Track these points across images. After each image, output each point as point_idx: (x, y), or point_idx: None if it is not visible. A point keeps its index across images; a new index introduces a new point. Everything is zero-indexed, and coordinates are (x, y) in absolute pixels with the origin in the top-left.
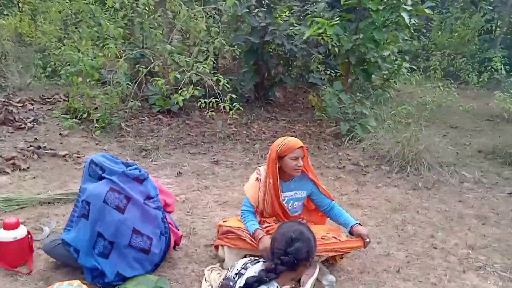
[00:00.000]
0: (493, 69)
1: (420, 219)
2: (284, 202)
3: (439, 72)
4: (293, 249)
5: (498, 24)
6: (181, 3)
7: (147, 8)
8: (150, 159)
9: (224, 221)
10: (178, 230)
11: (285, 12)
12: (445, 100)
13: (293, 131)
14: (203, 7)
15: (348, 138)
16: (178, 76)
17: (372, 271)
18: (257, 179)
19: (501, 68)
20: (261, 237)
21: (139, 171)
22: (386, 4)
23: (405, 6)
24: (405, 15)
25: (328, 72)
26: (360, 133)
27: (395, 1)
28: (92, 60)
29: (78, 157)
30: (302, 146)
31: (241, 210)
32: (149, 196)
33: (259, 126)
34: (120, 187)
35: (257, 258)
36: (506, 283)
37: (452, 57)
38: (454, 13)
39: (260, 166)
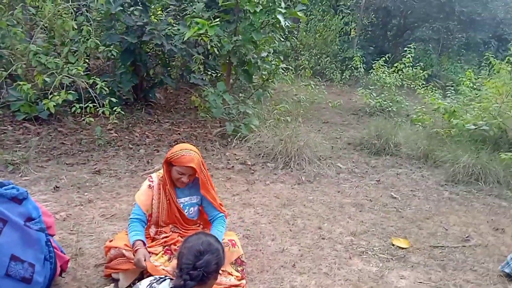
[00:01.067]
0: (353, 67)
1: (308, 212)
2: (181, 208)
3: (308, 71)
4: (202, 262)
5: (354, 26)
6: None
7: (2, 3)
8: (19, 174)
9: (110, 241)
10: (64, 254)
11: (159, 10)
12: (316, 98)
13: (178, 133)
14: (70, 3)
15: (234, 138)
16: (47, 79)
17: (270, 269)
18: (149, 186)
19: (360, 66)
20: (137, 249)
21: (17, 190)
22: (263, 7)
23: (280, 9)
24: (280, 17)
25: (209, 73)
26: (245, 133)
27: (271, 4)
28: None
29: None
30: (192, 167)
31: (129, 219)
32: (30, 217)
33: (142, 130)
34: None
35: (162, 276)
36: (384, 263)
37: (318, 56)
38: (317, 16)
39: (152, 173)
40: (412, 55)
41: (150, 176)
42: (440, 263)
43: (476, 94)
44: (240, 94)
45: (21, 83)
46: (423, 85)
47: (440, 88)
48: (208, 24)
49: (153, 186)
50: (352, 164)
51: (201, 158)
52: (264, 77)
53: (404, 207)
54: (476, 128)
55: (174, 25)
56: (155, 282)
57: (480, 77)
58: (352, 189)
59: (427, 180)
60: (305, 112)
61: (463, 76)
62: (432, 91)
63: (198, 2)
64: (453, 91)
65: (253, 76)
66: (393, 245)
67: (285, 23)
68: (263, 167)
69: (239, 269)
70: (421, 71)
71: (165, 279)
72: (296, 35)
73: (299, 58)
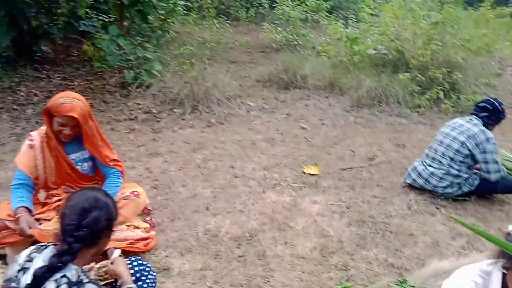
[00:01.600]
0: (258, 4)
1: (219, 153)
2: (73, 164)
3: (212, 10)
4: (88, 220)
5: None
6: None
7: None
8: None
9: None
10: None
11: None
12: (222, 37)
13: (72, 88)
14: None
15: (135, 86)
16: None
17: (182, 215)
18: (30, 146)
19: (265, 2)
20: (18, 217)
21: None
22: None
23: None
24: None
25: (101, 18)
26: (147, 79)
27: None
28: None
29: None
30: (73, 117)
31: (11, 185)
32: None
33: (28, 88)
34: None
35: (45, 243)
36: (297, 192)
37: None
38: None
39: (32, 131)
40: None
41: (30, 134)
42: (349, 184)
43: (376, 20)
44: (138, 38)
45: None
46: (327, 17)
47: (342, 18)
48: None
49: (34, 145)
50: (262, 100)
51: (88, 108)
52: (162, 17)
53: (313, 136)
54: (376, 53)
55: None
56: (35, 251)
57: (379, 2)
58: (263, 125)
59: (334, 107)
60: (212, 54)
61: (363, 4)
62: (335, 21)
63: None
64: (354, 20)
65: (149, 17)
66: (305, 173)
67: None
68: (170, 114)
69: (146, 219)
70: (324, 2)
71: (47, 246)
72: None
73: None
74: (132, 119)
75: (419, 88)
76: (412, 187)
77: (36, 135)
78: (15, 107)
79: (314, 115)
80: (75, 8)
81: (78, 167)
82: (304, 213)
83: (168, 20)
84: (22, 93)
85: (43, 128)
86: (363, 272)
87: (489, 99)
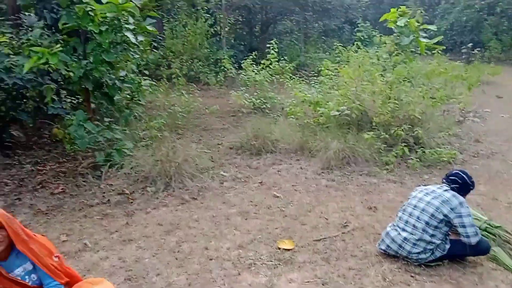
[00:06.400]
0: (226, 69)
1: (193, 234)
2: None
3: (182, 79)
4: None
5: (220, 26)
6: None
7: None
8: None
9: None
10: None
11: (0, 39)
12: (192, 106)
13: (44, 173)
14: None
15: (107, 166)
16: None
17: None
18: None
19: (231, 68)
20: None
21: None
22: (109, 25)
23: (127, 26)
24: (129, 34)
25: (70, 100)
26: (118, 159)
27: (116, 22)
28: None
29: None
30: None
31: None
32: None
33: (0, 177)
34: None
35: None
36: (273, 271)
37: (190, 62)
38: (181, 21)
39: None
40: (276, 50)
41: None
42: (324, 256)
43: (336, 81)
44: (106, 119)
45: None
46: (291, 77)
47: (307, 78)
48: (49, 52)
49: None
50: (235, 169)
51: (8, 214)
52: (128, 96)
53: (287, 204)
54: (340, 114)
55: (13, 56)
56: None
57: (337, 63)
58: (236, 197)
59: (306, 171)
60: (183, 123)
61: (322, 65)
62: (299, 82)
63: (36, 28)
64: (316, 80)
65: (114, 98)
66: (280, 248)
67: (136, 39)
68: (143, 193)
69: None
70: (287, 64)
71: None
72: (163, 43)
73: (171, 66)
74: (104, 203)
75: (385, 145)
76: (386, 254)
77: None
78: None
79: (287, 181)
80: (43, 92)
81: (27, 280)
82: None
83: (134, 99)
84: None
85: None
86: None
87: (459, 172)
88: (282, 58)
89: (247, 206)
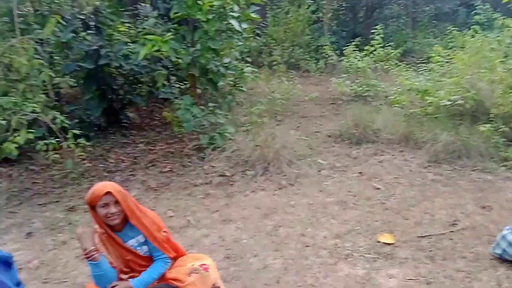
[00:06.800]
0: (326, 56)
1: (289, 219)
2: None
3: (282, 66)
4: None
5: (323, 12)
6: None
7: None
8: None
9: None
10: None
11: (121, 28)
12: (292, 93)
13: (154, 153)
14: (20, 37)
15: (210, 149)
16: (3, 122)
17: None
18: (98, 235)
19: (332, 54)
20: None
21: (2, 252)
22: (215, 13)
23: (232, 14)
24: (234, 22)
25: (178, 85)
26: (221, 143)
27: (222, 10)
28: None
29: None
30: (108, 192)
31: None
32: (18, 282)
33: (117, 154)
34: None
35: None
36: (371, 264)
37: (291, 49)
38: (284, 8)
39: None
40: (382, 35)
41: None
42: (429, 254)
43: (448, 68)
44: (210, 104)
45: None
46: (397, 64)
47: (414, 65)
48: (162, 40)
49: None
50: (333, 158)
51: (124, 190)
52: (231, 83)
53: (388, 197)
54: (451, 104)
55: (130, 44)
56: None
57: (449, 49)
58: (334, 186)
59: (410, 163)
60: (283, 110)
61: (432, 51)
62: (405, 70)
63: (150, 18)
64: (425, 67)
65: (218, 84)
66: (379, 242)
67: (240, 27)
68: (242, 176)
69: None
70: (393, 50)
71: None
72: (266, 30)
73: (272, 54)
74: (207, 183)
75: (504, 139)
76: (501, 259)
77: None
78: (106, 174)
79: (388, 173)
80: (155, 78)
81: (138, 250)
82: None
83: (236, 85)
84: (112, 160)
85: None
86: None
87: None
88: (387, 44)
89: (345, 196)
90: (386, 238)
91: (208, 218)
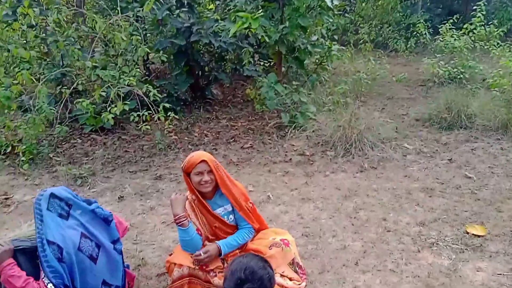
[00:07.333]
0: (418, 34)
1: (371, 203)
2: (220, 217)
3: (369, 44)
4: None
5: None
6: (95, 16)
7: (59, 25)
8: (88, 187)
9: (170, 255)
10: (129, 269)
11: (209, 6)
12: (378, 73)
13: (236, 129)
14: (120, 15)
15: (291, 128)
16: (103, 94)
17: (331, 268)
18: (188, 202)
19: (425, 33)
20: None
21: (103, 211)
22: None
23: None
24: None
25: (262, 63)
26: (302, 122)
27: None
28: (6, 90)
29: (6, 198)
30: (203, 160)
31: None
32: (114, 240)
33: (201, 129)
34: (90, 233)
35: None
36: (458, 255)
37: (379, 27)
38: None
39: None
40: (484, 12)
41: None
42: None
43: None
44: (294, 82)
45: (80, 99)
46: (499, 45)
47: None
48: (252, 17)
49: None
50: (421, 143)
51: (217, 161)
52: (317, 61)
53: (480, 187)
54: None
55: (221, 21)
56: None
57: None
58: (420, 172)
59: (508, 153)
60: (367, 91)
61: None
62: (508, 50)
63: None
64: None
65: (304, 62)
66: (468, 233)
67: (332, 3)
68: (322, 157)
69: (298, 270)
70: (496, 29)
71: None
72: (353, 8)
73: (359, 32)
74: (286, 161)
75: None
76: None
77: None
78: (190, 147)
79: (482, 162)
80: (240, 55)
81: (225, 218)
82: (466, 282)
83: (322, 63)
84: (196, 134)
85: (187, 193)
86: None
87: None
88: (489, 23)
89: (431, 183)
90: (476, 229)
91: (287, 195)
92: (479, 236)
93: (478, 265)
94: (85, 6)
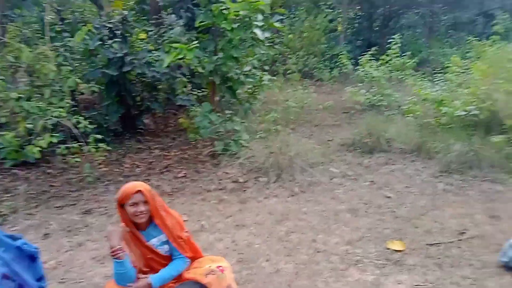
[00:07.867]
0: (341, 64)
1: (302, 225)
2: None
3: (297, 74)
4: None
5: (339, 21)
6: (20, 45)
7: None
8: (8, 225)
9: None
10: None
11: (141, 36)
12: (306, 101)
13: (169, 158)
14: (51, 44)
15: (225, 156)
16: (29, 125)
17: None
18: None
19: (348, 63)
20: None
21: (29, 247)
22: (240, 22)
23: (256, 23)
24: (258, 31)
25: (195, 92)
26: (235, 149)
27: (247, 19)
28: None
29: None
30: (139, 190)
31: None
32: (40, 277)
33: (132, 159)
34: (14, 272)
35: None
36: (381, 270)
37: (306, 58)
38: (301, 17)
39: None
40: (398, 44)
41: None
42: (437, 262)
43: (464, 78)
44: (227, 111)
45: (4, 132)
46: (412, 74)
47: (430, 74)
48: (187, 48)
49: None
50: (346, 166)
51: (150, 188)
52: (249, 90)
53: (398, 206)
54: (466, 114)
55: (154, 52)
56: None
57: (467, 59)
58: (346, 194)
59: (421, 173)
60: (296, 118)
61: (450, 61)
62: (420, 80)
63: (176, 26)
64: (441, 78)
65: (237, 92)
66: (389, 249)
67: (263, 36)
68: (255, 183)
69: None
70: (409, 60)
71: None
72: (282, 40)
73: (287, 62)
74: (221, 189)
75: None
76: (508, 267)
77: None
78: (121, 179)
79: (400, 182)
80: (173, 85)
81: (159, 249)
82: None
83: (254, 93)
84: (127, 165)
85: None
86: None
87: None
88: (403, 54)
89: (356, 203)
90: (396, 245)
91: (222, 222)
92: (398, 251)
93: (399, 278)
94: (7, 35)
